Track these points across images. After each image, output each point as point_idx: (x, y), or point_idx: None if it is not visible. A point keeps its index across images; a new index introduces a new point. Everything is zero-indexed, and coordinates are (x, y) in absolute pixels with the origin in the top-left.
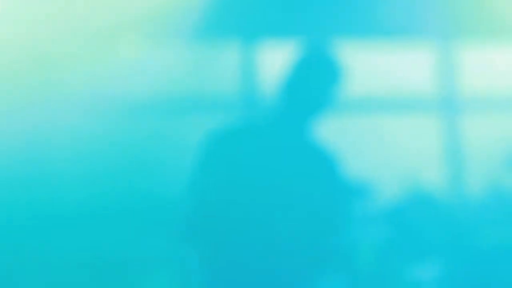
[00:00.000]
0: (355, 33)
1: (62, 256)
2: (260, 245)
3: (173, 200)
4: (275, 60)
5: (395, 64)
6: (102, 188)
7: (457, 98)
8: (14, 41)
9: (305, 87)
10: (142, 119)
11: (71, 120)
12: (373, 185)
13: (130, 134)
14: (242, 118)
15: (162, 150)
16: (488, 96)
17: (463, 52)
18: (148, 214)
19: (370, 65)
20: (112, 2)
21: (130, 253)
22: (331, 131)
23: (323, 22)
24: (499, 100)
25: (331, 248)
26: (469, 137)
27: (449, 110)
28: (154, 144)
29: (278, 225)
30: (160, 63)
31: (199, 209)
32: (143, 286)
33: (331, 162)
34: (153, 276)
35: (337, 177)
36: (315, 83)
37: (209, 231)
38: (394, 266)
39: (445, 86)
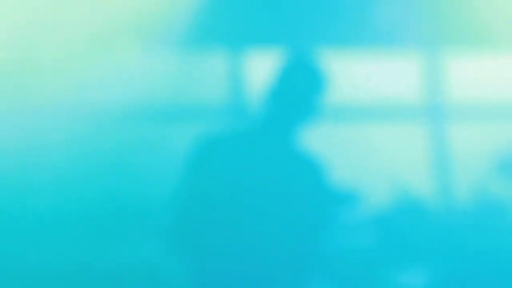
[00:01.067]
0: (341, 41)
1: (46, 262)
2: (248, 253)
3: (161, 206)
4: (262, 68)
5: (381, 72)
6: (90, 195)
7: (444, 106)
8: (5, 44)
9: (291, 95)
10: (128, 126)
11: (58, 126)
12: (361, 192)
13: (117, 141)
14: (229, 125)
15: (148, 157)
16: (475, 103)
17: (448, 60)
18: (135, 220)
19: (356, 73)
20: (100, 9)
21: (117, 259)
22: (318, 139)
23: (309, 31)
24: (485, 107)
25: (319, 256)
26: (456, 145)
27: (436, 118)
28: (141, 150)
29: (266, 232)
30: (147, 70)
31: (186, 216)
32: None
33: (318, 169)
34: (141, 282)
35: (324, 185)
36: (301, 91)
37: (197, 238)
38: (382, 273)
39: (432, 94)
